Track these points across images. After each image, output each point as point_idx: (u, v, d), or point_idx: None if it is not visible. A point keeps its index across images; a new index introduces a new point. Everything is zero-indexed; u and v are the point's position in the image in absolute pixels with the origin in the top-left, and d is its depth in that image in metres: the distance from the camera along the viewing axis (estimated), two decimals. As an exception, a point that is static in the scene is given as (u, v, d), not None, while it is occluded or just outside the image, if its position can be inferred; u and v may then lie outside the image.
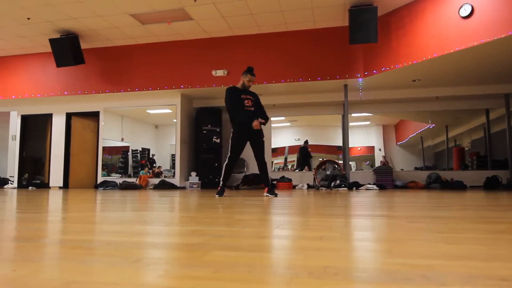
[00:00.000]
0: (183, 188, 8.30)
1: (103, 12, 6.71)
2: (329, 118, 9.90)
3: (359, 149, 11.37)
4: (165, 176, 9.10)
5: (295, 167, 9.64)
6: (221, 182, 4.63)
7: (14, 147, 9.34)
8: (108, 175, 8.99)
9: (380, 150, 13.70)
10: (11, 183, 9.05)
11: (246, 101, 4.55)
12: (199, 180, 8.26)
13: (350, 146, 10.38)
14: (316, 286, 0.75)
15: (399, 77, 7.09)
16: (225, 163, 4.60)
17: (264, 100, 8.58)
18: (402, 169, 9.48)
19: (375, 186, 7.43)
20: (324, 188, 7.26)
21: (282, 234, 1.48)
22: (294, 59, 7.49)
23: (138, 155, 11.40)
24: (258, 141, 4.56)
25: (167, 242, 1.30)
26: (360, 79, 7.26)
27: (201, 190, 7.12)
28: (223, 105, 8.78)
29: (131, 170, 10.80)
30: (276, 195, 4.45)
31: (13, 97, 8.77)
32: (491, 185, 7.47)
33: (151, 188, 8.13)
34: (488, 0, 5.26)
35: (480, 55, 5.86)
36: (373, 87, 7.83)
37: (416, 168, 10.27)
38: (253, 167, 9.04)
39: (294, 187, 8.16)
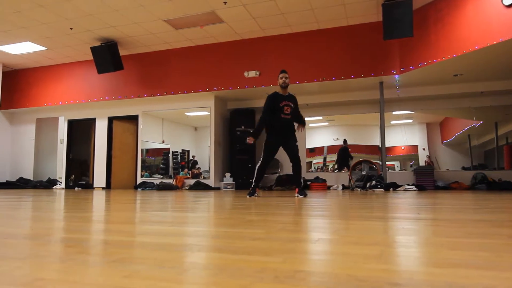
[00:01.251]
0: (218, 188, 8.41)
1: (139, 19, 6.97)
2: (368, 117, 9.61)
3: (402, 148, 10.94)
4: (204, 177, 9.29)
5: (336, 167, 9.45)
6: (253, 183, 4.72)
7: (62, 150, 9.94)
8: (151, 176, 9.31)
9: (424, 149, 13.10)
10: (59, 184, 9.64)
11: (285, 108, 4.57)
12: (233, 181, 8.34)
13: (392, 145, 10.02)
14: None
15: (439, 72, 6.73)
16: (258, 165, 4.73)
17: (298, 101, 8.57)
18: (448, 169, 9.01)
19: (413, 187, 7.11)
20: (359, 189, 7.06)
21: (279, 236, 1.45)
22: (327, 57, 7.34)
23: (178, 156, 11.72)
24: (291, 146, 4.64)
25: (154, 242, 1.31)
26: (397, 76, 6.99)
27: (235, 191, 7.17)
28: (256, 106, 8.87)
29: (171, 171, 11.14)
30: (305, 195, 4.52)
31: (60, 103, 9.33)
32: (545, 186, 6.90)
33: (186, 189, 8.32)
34: (535, -14, 4.86)
35: (528, 45, 5.42)
36: (412, 83, 7.50)
37: (463, 168, 9.71)
38: (287, 168, 8.98)
39: (329, 188, 8.00)
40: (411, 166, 9.45)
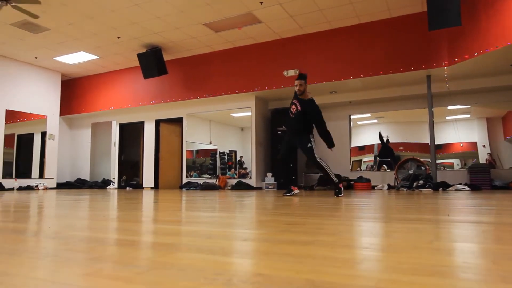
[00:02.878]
0: (260, 188, 8.44)
1: (179, 24, 7.19)
2: (418, 113, 9.11)
3: (461, 145, 10.31)
4: (250, 177, 9.37)
5: (376, 165, 9.10)
6: (334, 180, 4.62)
7: (115, 152, 10.53)
8: (199, 176, 9.56)
9: (484, 146, 12.16)
10: (112, 184, 10.23)
11: (292, 107, 4.77)
12: (274, 181, 8.32)
13: (450, 142, 9.42)
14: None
15: (493, 62, 6.22)
16: (321, 162, 4.63)
17: (339, 98, 8.38)
18: (511, 168, 8.34)
19: (466, 187, 6.63)
20: (405, 189, 6.72)
21: (275, 238, 1.41)
22: (369, 52, 7.08)
23: (226, 157, 11.95)
24: (302, 149, 4.75)
25: (142, 240, 1.33)
26: (445, 68, 6.56)
27: (276, 191, 7.15)
28: (297, 105, 8.77)
29: (219, 171, 11.39)
30: (339, 194, 4.51)
31: (112, 108, 9.90)
32: None
33: (228, 189, 8.44)
34: None
35: None
36: (463, 75, 7.00)
37: (530, 167, 8.88)
38: (330, 167, 8.79)
39: (373, 187, 7.71)
40: (464, 164, 8.82)
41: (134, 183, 10.18)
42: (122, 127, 10.52)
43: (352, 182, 7.86)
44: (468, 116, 12.07)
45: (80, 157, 10.99)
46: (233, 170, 10.64)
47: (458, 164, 9.51)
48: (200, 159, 10.22)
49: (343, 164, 8.74)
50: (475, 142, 12.58)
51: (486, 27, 5.75)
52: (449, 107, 8.38)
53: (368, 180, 7.61)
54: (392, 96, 7.99)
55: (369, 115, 9.18)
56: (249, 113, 9.59)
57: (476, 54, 5.94)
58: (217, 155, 11.61)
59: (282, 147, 4.94)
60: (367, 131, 9.75)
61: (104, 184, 10.20)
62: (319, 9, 6.65)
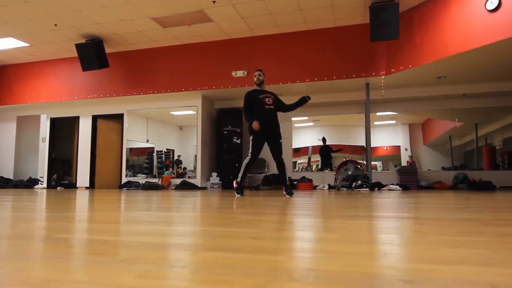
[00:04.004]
0: (204, 188, 8.38)
1: (126, 16, 6.87)
2: (353, 117, 9.73)
3: (385, 148, 11.12)
4: (189, 177, 9.24)
5: (319, 167, 9.54)
6: (239, 179, 4.80)
7: (44, 149, 9.72)
8: (134, 176, 9.20)
9: (406, 150, 13.36)
10: (41, 183, 9.42)
11: (267, 99, 4.69)
12: (219, 181, 8.31)
13: (375, 145, 10.17)
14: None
15: (424, 74, 6.88)
16: (246, 162, 4.73)
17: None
18: (429, 169, 9.20)
19: (398, 187, 7.24)
20: (345, 189, 7.15)
21: (280, 235, 1.46)
22: (315, 58, 7.40)
23: (163, 156, 11.62)
24: (274, 142, 4.69)
25: (158, 242, 1.30)
26: (382, 77, 7.10)
27: (221, 191, 7.16)
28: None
29: (155, 170, 11.03)
30: (291, 194, 4.61)
31: (42, 101, 9.12)
32: (523, 186, 7.12)
33: (172, 188, 8.26)
34: (516, -8, 5.02)
35: (508, 49, 5.59)
36: (397, 85, 7.63)
37: (443, 168, 9.95)
38: (273, 168, 9.01)
39: (315, 187, 8.07)
40: (395, 166, 9.61)
41: (66, 182, 9.49)
42: (54, 121, 9.75)
43: (295, 182, 8.15)
44: (394, 122, 13.18)
45: (2, 153, 9.96)
46: (170, 169, 10.42)
47: (380, 166, 10.30)
48: (133, 158, 9.82)
49: (286, 165, 9.00)
50: (399, 146, 13.79)
51: (420, 42, 6.34)
52: (378, 113, 9.04)
53: (310, 180, 7.95)
54: (333, 101, 8.44)
55: (306, 118, 9.56)
56: (190, 112, 9.48)
57: (410, 66, 6.52)
58: (154, 154, 11.28)
59: (256, 152, 4.64)
60: (303, 133, 10.18)
61: (30, 183, 9.36)
62: (270, 13, 6.80)
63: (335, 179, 7.91)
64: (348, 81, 7.34)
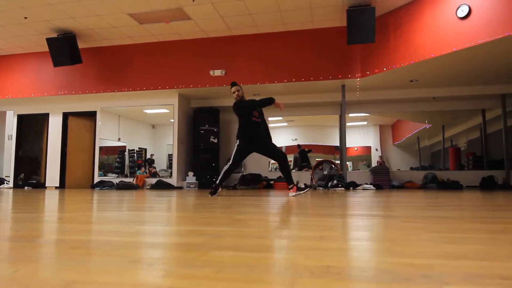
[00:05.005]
0: (180, 188, 8.29)
1: (101, 11, 6.69)
2: (326, 118, 9.92)
3: (355, 149, 11.43)
4: (161, 176, 9.12)
5: (291, 167, 9.67)
6: (217, 183, 4.73)
7: (10, 146, 9.29)
8: (105, 175, 8.97)
9: (376, 150, 13.77)
10: (7, 183, 9.01)
11: (255, 112, 4.62)
12: (196, 180, 8.25)
13: (347, 146, 10.44)
14: (319, 285, 0.76)
15: (397, 77, 7.11)
16: (226, 167, 4.65)
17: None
18: (399, 169, 9.52)
19: (372, 186, 7.45)
20: (321, 188, 7.28)
21: (282, 234, 1.49)
22: (292, 59, 7.49)
23: (135, 155, 11.39)
24: (267, 148, 4.67)
25: (166, 242, 1.29)
26: (358, 79, 7.28)
27: (198, 190, 7.11)
28: (220, 105, 8.85)
29: (127, 170, 10.77)
30: (302, 190, 4.58)
31: (8, 96, 8.72)
32: (487, 185, 7.51)
33: (148, 188, 8.12)
34: (485, 1, 5.29)
35: (477, 55, 5.89)
36: (371, 87, 7.84)
37: (412, 168, 10.32)
38: (250, 167, 9.06)
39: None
40: (368, 166, 9.88)
41: (34, 181, 9.12)
42: (21, 118, 9.34)
43: (271, 182, 8.22)
44: (365, 123, 13.56)
45: (-36, 151, 9.44)
46: (143, 169, 10.25)
47: (350, 166, 10.60)
48: (104, 157, 9.57)
49: (262, 165, 9.07)
50: (370, 147, 14.19)
51: (394, 46, 6.55)
52: (350, 115, 9.25)
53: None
54: (309, 101, 8.56)
55: (280, 118, 9.66)
56: (164, 110, 9.38)
57: (384, 69, 6.72)
58: (126, 153, 11.06)
59: (237, 160, 4.60)
60: (278, 133, 10.29)
61: (-5, 182, 8.93)
62: (249, 13, 6.82)
63: (311, 179, 8.03)
64: (324, 82, 7.47)
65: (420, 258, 1.02)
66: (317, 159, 9.24)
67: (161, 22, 7.18)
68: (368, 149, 13.89)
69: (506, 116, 8.01)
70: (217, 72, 7.71)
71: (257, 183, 7.92)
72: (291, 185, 4.57)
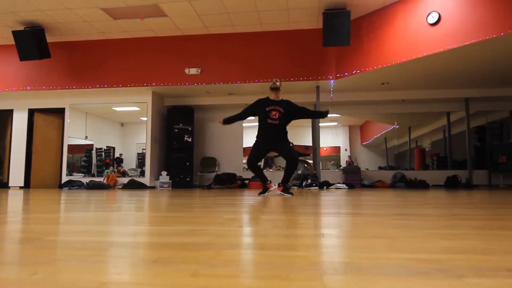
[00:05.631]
0: (153, 187, 8.14)
1: (72, 4, 6.45)
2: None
3: (325, 149, 11.66)
4: (130, 176, 8.93)
5: (262, 166, 9.72)
6: (262, 182, 4.72)
7: (-31, 144, 8.78)
8: (70, 174, 8.65)
9: (346, 150, 14.15)
10: (-34, 183, 8.51)
11: (273, 113, 4.46)
12: (169, 180, 8.14)
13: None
14: (349, 281, 0.79)
15: (369, 79, 7.32)
16: (248, 163, 4.63)
17: (236, 100, 8.68)
18: (367, 169, 9.80)
19: (344, 185, 7.64)
20: (295, 187, 7.37)
21: (283, 232, 1.51)
22: (268, 59, 7.54)
23: (103, 153, 11.07)
24: (281, 148, 4.60)
25: (174, 242, 1.29)
26: (332, 81, 7.44)
27: (172, 190, 7.01)
28: (195, 104, 8.77)
29: (94, 169, 10.44)
30: (289, 194, 4.52)
31: (-30, 91, 8.24)
32: (451, 184, 7.89)
33: (119, 188, 7.92)
34: (454, 9, 5.56)
35: (445, 61, 6.17)
36: (344, 89, 8.03)
37: (380, 168, 10.68)
38: (224, 167, 9.04)
39: (266, 186, 8.21)
40: (337, 166, 10.10)
41: (-4, 181, 8.66)
42: (-18, 114, 8.84)
43: (246, 182, 8.24)
44: (336, 123, 13.88)
45: None
46: (111, 168, 9.99)
47: (320, 166, 10.78)
48: (69, 155, 9.23)
49: (236, 164, 9.08)
50: (339, 147, 14.55)
51: (368, 49, 6.75)
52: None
53: (262, 179, 8.07)
54: (284, 102, 8.63)
55: (253, 118, 9.68)
56: (134, 108, 9.19)
57: (358, 71, 6.91)
58: (93, 152, 10.75)
59: (253, 152, 4.54)
60: (250, 133, 10.34)
61: (-47, 182, 8.41)
62: (226, 12, 6.80)
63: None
64: (299, 83, 7.57)
65: (424, 254, 1.07)
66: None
67: (136, 18, 7.03)
68: (337, 149, 14.25)
69: (469, 118, 8.44)
70: (193, 71, 7.64)
71: (232, 183, 7.92)
72: (282, 184, 4.63)
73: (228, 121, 4.71)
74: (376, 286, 0.75)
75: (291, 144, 4.72)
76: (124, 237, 1.38)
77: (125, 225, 1.75)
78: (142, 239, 1.35)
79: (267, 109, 4.49)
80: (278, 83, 4.54)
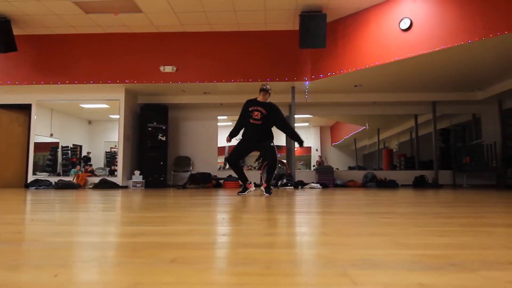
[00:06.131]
0: (126, 187, 7.95)
1: (42, -4, 6.19)
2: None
3: (295, 149, 11.81)
4: (98, 175, 8.69)
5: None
6: (240, 181, 4.81)
7: None
8: (34, 174, 8.28)
9: (317, 150, 14.42)
10: None
11: (255, 113, 4.53)
12: (143, 179, 7.97)
13: (288, 146, 10.79)
14: (371, 275, 0.82)
15: (343, 82, 7.50)
16: (227, 160, 4.73)
17: (212, 99, 8.64)
18: (337, 168, 10.02)
19: (318, 185, 7.78)
20: (271, 187, 7.42)
21: (285, 231, 1.54)
22: (245, 59, 7.55)
23: (69, 152, 10.69)
24: (263, 148, 4.66)
25: (183, 242, 1.28)
26: (307, 82, 7.55)
27: (145, 190, 6.88)
28: (170, 102, 8.64)
29: (60, 168, 10.06)
30: (270, 193, 4.56)
31: None
32: (419, 184, 8.23)
33: (90, 188, 7.68)
34: (425, 16, 5.80)
35: (416, 65, 6.43)
36: (318, 90, 8.17)
37: (349, 168, 10.96)
38: (198, 166, 8.97)
39: (240, 186, 8.22)
40: (313, 166, 10.27)
41: (-46, 180, 8.15)
42: None
43: (221, 181, 8.21)
44: (307, 124, 14.12)
45: None
46: (78, 167, 9.68)
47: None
48: (34, 153, 8.84)
49: (211, 163, 9.03)
50: (310, 147, 14.81)
51: (342, 52, 6.91)
52: (296, 116, 9.56)
53: (237, 179, 8.08)
54: (259, 102, 8.67)
55: (225, 117, 9.67)
56: (102, 105, 8.98)
57: (333, 73, 7.06)
58: (59, 150, 10.37)
59: (234, 150, 4.64)
60: (222, 133, 10.33)
61: None
62: (203, 10, 6.75)
63: (261, 178, 8.16)
64: (275, 83, 7.63)
65: (429, 250, 1.13)
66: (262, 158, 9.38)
67: (110, 13, 6.83)
68: (308, 149, 14.50)
69: (436, 120, 8.83)
70: (168, 68, 7.53)
71: (207, 182, 7.87)
72: (265, 184, 4.69)
73: (232, 135, 4.72)
74: (404, 280, 0.79)
75: (272, 144, 4.75)
76: (125, 238, 1.36)
77: (121, 225, 1.72)
78: (144, 239, 1.33)
79: (250, 109, 4.57)
80: (268, 86, 4.61)
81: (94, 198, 4.07)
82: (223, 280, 0.79)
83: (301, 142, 4.72)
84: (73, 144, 10.77)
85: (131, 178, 8.01)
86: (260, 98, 4.61)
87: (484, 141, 8.58)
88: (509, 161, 7.87)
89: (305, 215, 2.18)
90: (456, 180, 8.64)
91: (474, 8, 5.33)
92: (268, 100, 4.64)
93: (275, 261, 0.96)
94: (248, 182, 4.75)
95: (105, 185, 7.67)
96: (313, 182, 8.13)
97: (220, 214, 2.21)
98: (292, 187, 7.29)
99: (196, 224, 1.74)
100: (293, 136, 4.80)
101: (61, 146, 10.29)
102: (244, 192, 4.66)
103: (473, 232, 1.48)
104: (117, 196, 4.42)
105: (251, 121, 4.53)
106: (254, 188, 4.83)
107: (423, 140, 9.45)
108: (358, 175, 9.02)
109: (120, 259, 0.98)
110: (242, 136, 4.71)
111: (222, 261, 0.96)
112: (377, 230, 1.55)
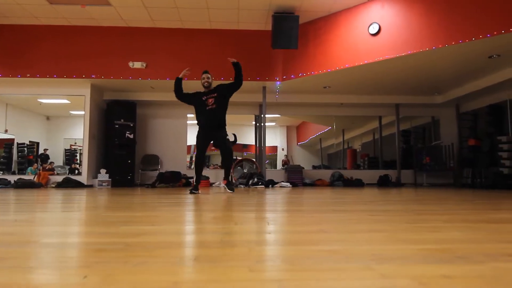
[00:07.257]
0: (91, 186, 7.67)
1: (3, -16, 5.84)
2: (241, 117, 10.17)
3: (262, 148, 11.95)
4: (58, 173, 8.35)
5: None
6: (195, 179, 4.83)
7: None
8: None
9: (283, 149, 14.63)
10: None
11: (209, 100, 4.74)
12: (109, 178, 7.72)
13: (251, 143, 10.88)
14: (395, 269, 0.87)
15: (313, 83, 7.65)
16: (194, 159, 4.87)
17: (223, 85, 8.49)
18: (303, 168, 10.19)
19: (288, 184, 7.90)
20: (242, 186, 7.46)
21: (291, 229, 1.57)
22: (216, 57, 7.50)
23: (25, 149, 10.17)
24: (219, 140, 4.77)
25: (193, 240, 1.28)
26: (278, 82, 7.63)
27: (113, 189, 6.68)
28: (138, 99, 8.43)
29: (15, 166, 9.53)
30: (232, 190, 4.74)
31: None
32: (383, 183, 8.56)
33: (53, 187, 7.33)
34: (393, 22, 6.05)
35: (383, 69, 6.69)
36: (288, 90, 8.28)
37: (314, 167, 11.22)
38: (167, 165, 8.82)
39: (211, 184, 8.19)
40: (283, 165, 10.37)
41: None
42: None
43: (191, 180, 8.12)
44: (274, 124, 14.27)
45: None
46: (35, 165, 9.26)
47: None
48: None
49: (180, 162, 8.91)
50: (276, 146, 15.00)
51: (313, 54, 7.05)
52: (266, 115, 9.65)
53: (207, 178, 8.03)
54: (230, 101, 8.65)
55: (193, 115, 9.59)
56: (62, 101, 8.68)
57: (304, 74, 7.19)
58: (14, 147, 9.87)
59: (197, 148, 4.74)
60: (191, 131, 10.25)
61: None
62: (175, 7, 6.65)
63: (231, 177, 8.16)
64: (247, 83, 7.62)
65: (429, 244, 1.20)
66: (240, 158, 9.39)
67: (76, 4, 6.55)
68: (274, 148, 14.69)
69: (399, 122, 9.22)
70: (137, 64, 7.34)
71: (177, 181, 7.76)
72: (225, 181, 4.92)
73: (178, 82, 4.94)
74: (427, 272, 0.84)
75: (233, 134, 4.91)
76: (128, 238, 1.34)
77: (118, 225, 1.68)
78: (147, 239, 1.32)
79: (203, 98, 4.78)
80: (210, 80, 4.91)
81: (65, 198, 3.90)
82: (250, 276, 0.80)
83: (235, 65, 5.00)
84: (30, 141, 10.25)
85: (96, 177, 7.73)
86: (204, 89, 4.89)
87: (442, 142, 9.08)
88: (465, 161, 8.38)
89: (295, 213, 2.22)
90: (417, 179, 9.07)
91: (439, 16, 5.63)
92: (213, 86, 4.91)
93: (296, 257, 0.99)
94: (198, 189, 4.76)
95: (69, 184, 7.35)
96: (283, 181, 8.24)
97: (219, 214, 2.21)
98: (263, 186, 7.35)
99: (199, 224, 1.73)
100: (236, 74, 5.03)
101: (17, 142, 9.76)
102: (196, 191, 4.64)
103: (459, 228, 1.58)
104: (86, 196, 4.26)
105: (207, 108, 4.72)
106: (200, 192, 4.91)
107: (386, 141, 9.85)
108: (325, 174, 9.23)
109: (145, 259, 0.97)
110: (198, 124, 4.83)
111: (251, 259, 0.98)
112: (372, 227, 1.62)
